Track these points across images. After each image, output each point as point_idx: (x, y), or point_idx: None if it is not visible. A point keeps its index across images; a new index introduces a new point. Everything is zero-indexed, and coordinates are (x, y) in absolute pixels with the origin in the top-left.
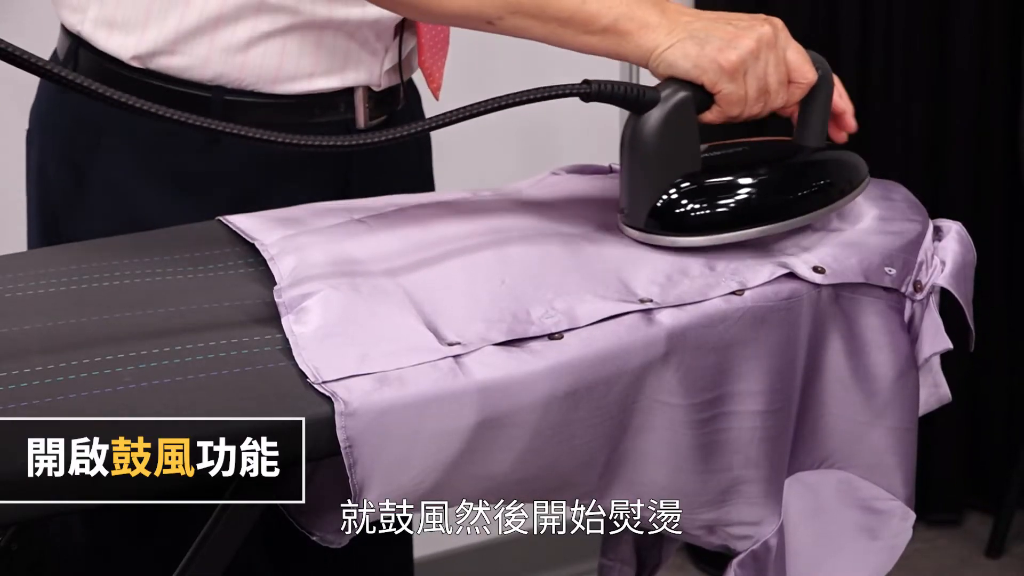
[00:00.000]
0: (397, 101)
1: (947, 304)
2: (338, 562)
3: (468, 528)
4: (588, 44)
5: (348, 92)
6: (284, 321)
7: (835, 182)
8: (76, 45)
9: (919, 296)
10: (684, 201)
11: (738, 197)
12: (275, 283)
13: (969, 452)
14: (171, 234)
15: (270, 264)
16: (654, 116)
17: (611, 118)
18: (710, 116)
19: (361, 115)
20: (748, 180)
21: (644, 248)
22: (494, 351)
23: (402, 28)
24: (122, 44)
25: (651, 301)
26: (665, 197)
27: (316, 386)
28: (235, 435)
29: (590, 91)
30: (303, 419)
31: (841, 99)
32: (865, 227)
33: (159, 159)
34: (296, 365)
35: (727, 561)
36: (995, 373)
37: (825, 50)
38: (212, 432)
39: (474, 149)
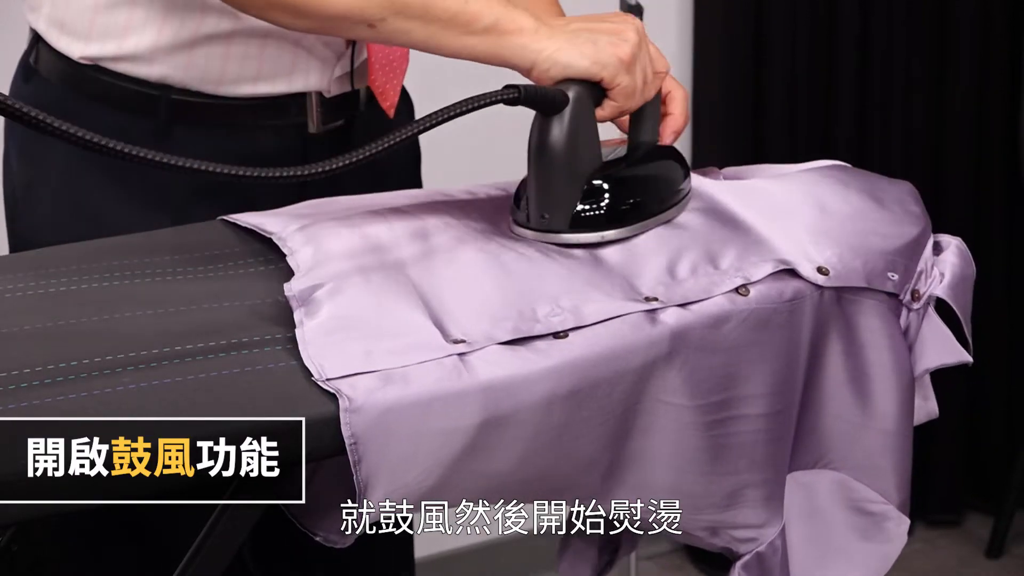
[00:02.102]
0: (355, 107)
1: (944, 318)
2: (338, 564)
3: (468, 528)
4: (468, 46)
5: (300, 96)
6: (296, 314)
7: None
8: (36, 40)
9: (916, 305)
10: (608, 197)
11: (649, 187)
12: (283, 280)
13: (969, 452)
14: (174, 234)
15: (288, 257)
16: (568, 116)
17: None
18: (604, 112)
19: (314, 120)
20: (651, 172)
21: (647, 245)
22: (499, 350)
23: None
24: (70, 45)
25: (656, 300)
26: (592, 195)
27: (320, 383)
28: (235, 435)
29: (518, 96)
30: (304, 419)
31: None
32: (869, 226)
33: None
34: (301, 364)
35: (725, 561)
36: (995, 374)
37: (825, 50)
38: (212, 432)
39: (473, 149)
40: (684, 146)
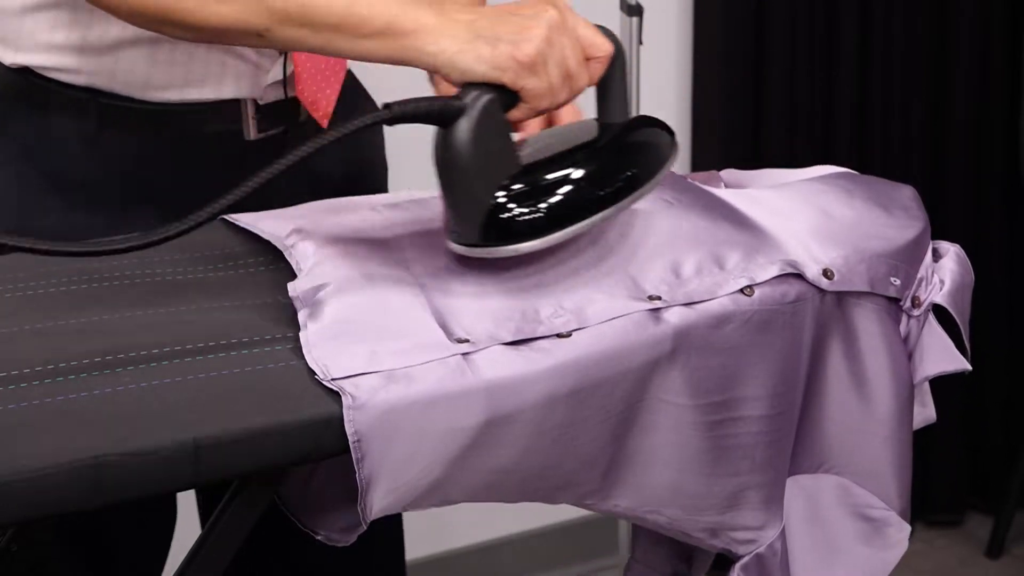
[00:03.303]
0: (294, 114)
1: (943, 324)
2: (328, 566)
3: (468, 528)
4: (366, 50)
5: (234, 102)
6: (300, 315)
7: (651, 158)
8: None
9: (916, 312)
10: (514, 207)
11: (568, 192)
12: (285, 280)
13: (969, 453)
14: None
15: (290, 258)
16: (463, 127)
17: None
18: (518, 114)
19: (250, 127)
20: (575, 173)
21: (651, 243)
22: (503, 349)
23: None
24: (3, 52)
25: (660, 299)
26: (494, 207)
27: (324, 382)
28: (236, 434)
29: (392, 115)
30: (306, 417)
31: None
32: (873, 230)
33: (45, 160)
34: (304, 364)
35: (726, 562)
36: (995, 375)
37: (825, 50)
38: (213, 432)
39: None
40: (684, 147)
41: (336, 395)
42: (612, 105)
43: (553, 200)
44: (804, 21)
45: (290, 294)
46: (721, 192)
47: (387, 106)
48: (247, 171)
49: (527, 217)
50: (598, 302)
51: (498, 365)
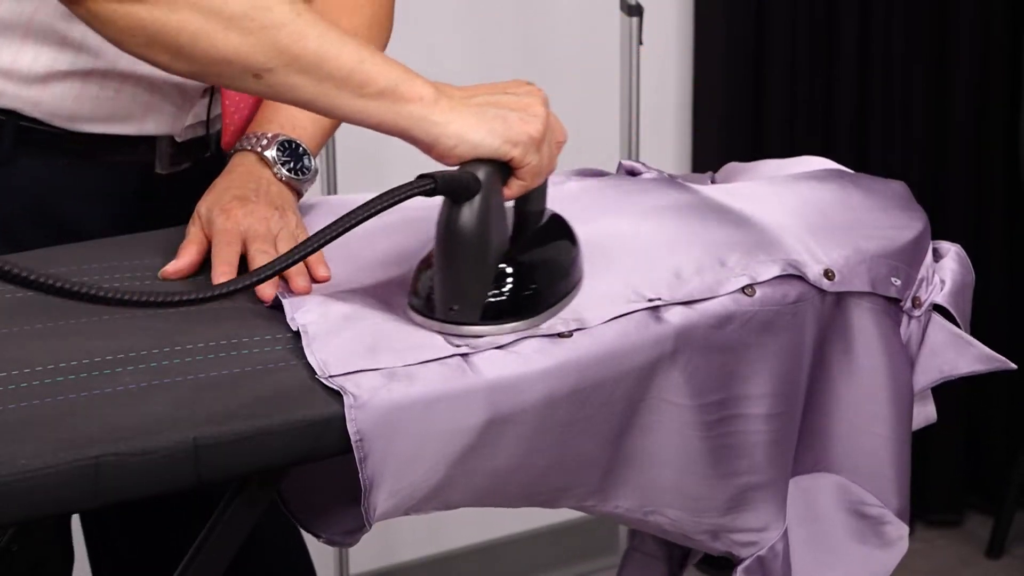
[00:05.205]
0: (204, 150)
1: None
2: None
3: (468, 529)
4: (362, 109)
5: (151, 137)
6: (299, 315)
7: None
8: None
9: (917, 312)
10: (519, 286)
11: (555, 270)
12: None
13: (969, 452)
14: (176, 234)
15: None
16: (479, 202)
17: (609, 125)
18: (511, 192)
19: (164, 160)
20: (557, 253)
21: (652, 241)
22: (503, 350)
23: (212, 89)
24: None
25: (659, 300)
26: (505, 285)
27: (324, 380)
28: (236, 434)
29: (435, 186)
30: (307, 417)
31: None
32: (872, 230)
33: None
34: (304, 363)
35: (727, 563)
36: (995, 374)
37: (824, 50)
38: (213, 432)
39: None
40: (684, 146)
41: (336, 395)
42: (539, 191)
43: (547, 279)
44: (804, 21)
45: (280, 297)
46: (714, 191)
47: (427, 177)
48: (153, 203)
49: (521, 296)
50: (598, 304)
51: (499, 365)
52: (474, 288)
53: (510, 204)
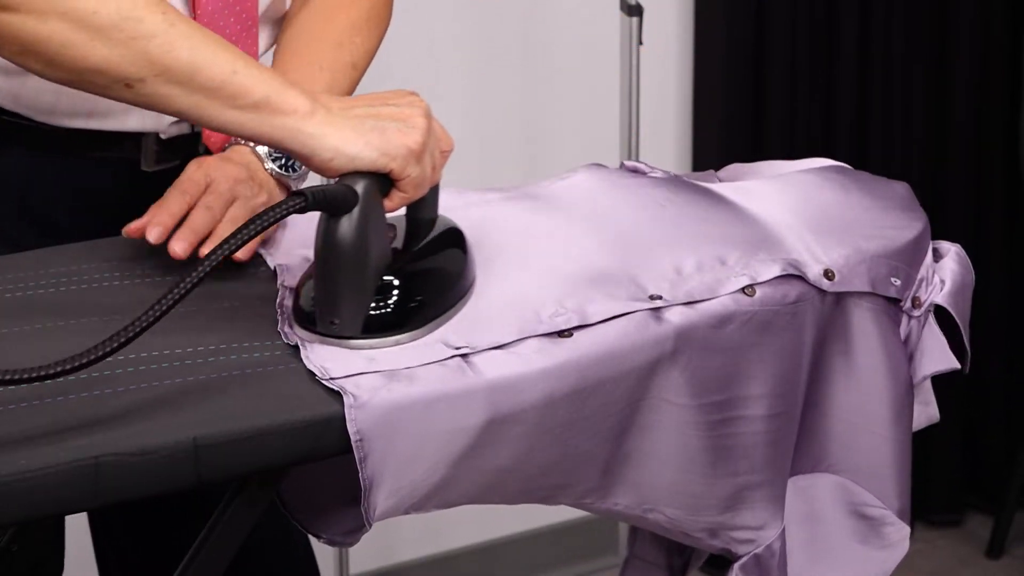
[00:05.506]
0: (193, 148)
1: (942, 324)
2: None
3: (468, 528)
4: (235, 121)
5: (136, 134)
6: (281, 324)
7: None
8: None
9: (917, 312)
10: (404, 298)
11: (443, 280)
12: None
13: (969, 452)
14: None
15: (268, 259)
16: (357, 215)
17: (609, 125)
18: (392, 204)
19: (149, 158)
20: (445, 263)
21: (652, 239)
22: (503, 350)
23: None
24: None
25: (661, 298)
26: (389, 297)
27: (324, 382)
28: (236, 434)
29: (306, 203)
30: (306, 417)
31: None
32: (873, 230)
33: None
34: (303, 365)
35: (725, 562)
36: (995, 374)
37: (824, 49)
38: (213, 431)
39: (476, 157)
40: (684, 146)
41: (336, 395)
42: (429, 199)
43: (430, 289)
44: (804, 21)
45: (278, 301)
46: (717, 187)
47: (299, 194)
48: (140, 200)
49: (406, 307)
50: (599, 301)
51: (499, 365)
52: (354, 301)
53: (401, 214)
